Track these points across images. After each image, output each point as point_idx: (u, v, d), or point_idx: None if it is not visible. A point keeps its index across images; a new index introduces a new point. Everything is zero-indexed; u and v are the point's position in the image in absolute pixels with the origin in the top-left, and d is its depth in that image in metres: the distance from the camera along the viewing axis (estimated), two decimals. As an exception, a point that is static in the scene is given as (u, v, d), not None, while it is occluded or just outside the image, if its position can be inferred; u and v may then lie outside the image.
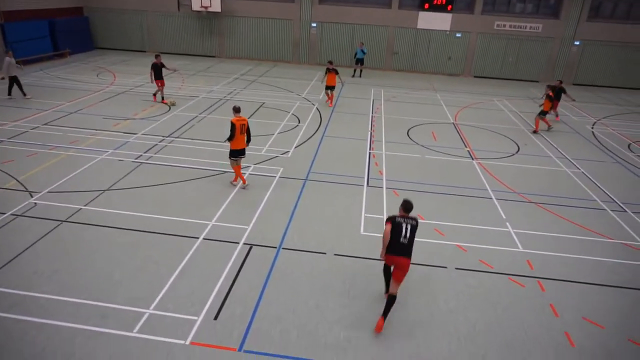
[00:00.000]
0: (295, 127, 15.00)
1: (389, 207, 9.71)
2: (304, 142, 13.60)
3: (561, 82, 18.02)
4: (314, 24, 26.82)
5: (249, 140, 10.07)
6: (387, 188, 10.71)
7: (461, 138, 14.96)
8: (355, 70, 25.46)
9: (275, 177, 10.79)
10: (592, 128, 17.24)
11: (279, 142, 13.24)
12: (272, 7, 26.73)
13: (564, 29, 25.27)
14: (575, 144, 15.13)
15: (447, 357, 5.84)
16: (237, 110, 9.81)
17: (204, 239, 8.11)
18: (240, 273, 7.22)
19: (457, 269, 7.75)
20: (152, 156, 11.73)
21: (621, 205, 10.62)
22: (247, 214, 9.07)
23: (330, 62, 17.71)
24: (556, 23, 25.31)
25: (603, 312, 6.89)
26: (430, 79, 25.84)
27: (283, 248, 8.01)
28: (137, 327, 5.96)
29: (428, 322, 6.45)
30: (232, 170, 10.42)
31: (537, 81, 26.44)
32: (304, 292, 6.90)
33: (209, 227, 8.51)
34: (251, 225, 8.68)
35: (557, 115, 17.96)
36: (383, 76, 25.59)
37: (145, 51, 28.49)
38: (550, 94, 15.92)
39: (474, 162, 12.83)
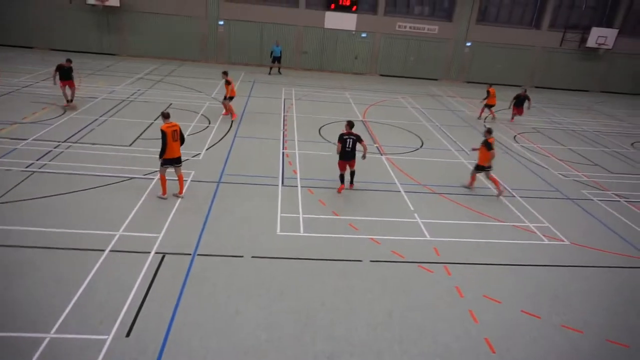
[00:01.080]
0: (206, 128, 14.59)
1: (305, 206, 9.85)
2: (215, 143, 13.28)
3: (525, 91, 19.06)
4: (221, 22, 26.22)
5: (182, 143, 9.64)
6: (302, 187, 10.84)
7: (370, 134, 15.59)
8: (271, 69, 25.41)
9: (186, 180, 10.41)
10: (484, 122, 18.92)
11: (189, 144, 12.78)
12: (177, 3, 25.65)
13: (456, 31, 27.37)
14: (471, 137, 16.49)
15: (367, 346, 6.09)
16: (166, 116, 9.29)
17: (110, 251, 7.59)
18: (153, 284, 6.88)
19: (371, 261, 8.10)
20: (46, 164, 10.69)
21: (510, 191, 11.81)
22: (157, 221, 8.65)
23: (225, 73, 15.85)
24: (450, 25, 27.33)
25: (500, 289, 7.63)
26: (339, 77, 26.56)
27: (198, 254, 7.77)
28: (35, 357, 5.41)
29: (346, 315, 6.66)
30: (149, 177, 9.87)
31: (437, 79, 28.36)
32: (222, 297, 6.77)
33: (116, 237, 7.98)
34: (163, 232, 8.30)
35: (512, 118, 19.47)
36: (293, 75, 25.79)
37: (32, 47, 25.82)
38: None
39: (383, 157, 13.46)
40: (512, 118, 19.41)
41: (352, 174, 10.72)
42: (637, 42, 28.41)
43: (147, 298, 6.56)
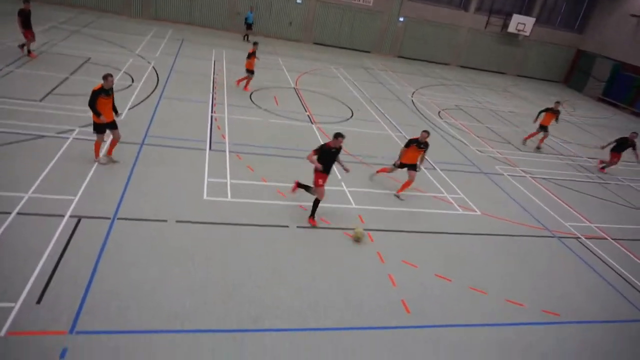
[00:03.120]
0: (129, 86, 13.69)
1: (233, 171, 9.70)
2: (139, 103, 12.54)
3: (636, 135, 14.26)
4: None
5: (115, 111, 8.97)
6: (230, 152, 10.64)
7: (302, 103, 15.55)
8: (246, 36, 24.80)
9: (106, 141, 9.78)
10: (412, 97, 19.60)
11: (110, 103, 11.95)
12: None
13: (391, 5, 27.68)
14: (398, 110, 17.04)
15: (292, 309, 6.26)
16: (106, 78, 8.49)
17: (17, 213, 7.01)
18: (67, 249, 6.49)
19: (298, 227, 8.23)
20: (-63, 117, 9.49)
21: (432, 163, 12.46)
22: (73, 184, 8.09)
23: (255, 43, 15.70)
24: (385, -2, 27.58)
25: (417, 254, 8.14)
26: (272, 43, 25.96)
27: (118, 218, 7.42)
28: None
29: (272, 280, 6.77)
30: (63, 136, 9.10)
31: (369, 52, 28.69)
32: (143, 263, 6.57)
33: (24, 199, 7.37)
34: (79, 195, 7.79)
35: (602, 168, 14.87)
36: (224, 37, 24.78)
37: None
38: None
39: (314, 126, 13.53)
40: (603, 168, 14.71)
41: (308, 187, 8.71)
42: (550, 31, 30.60)
43: (60, 264, 6.19)
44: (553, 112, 15.16)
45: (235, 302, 6.19)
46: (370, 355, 5.80)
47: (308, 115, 14.36)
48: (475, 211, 10.22)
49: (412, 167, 10.00)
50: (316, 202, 8.36)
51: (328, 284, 6.95)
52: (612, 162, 14.44)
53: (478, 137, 15.76)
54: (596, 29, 30.20)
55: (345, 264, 7.50)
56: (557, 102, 15.54)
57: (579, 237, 10.02)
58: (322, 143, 8.22)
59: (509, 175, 12.73)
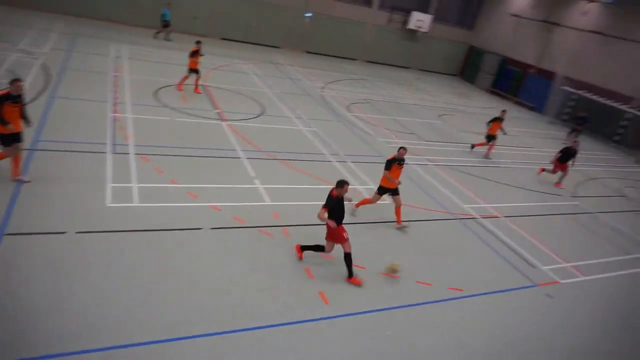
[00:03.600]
0: (12, 86, 12.34)
1: (139, 175, 9.22)
2: (26, 104, 11.36)
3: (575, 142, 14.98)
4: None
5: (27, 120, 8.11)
6: (135, 154, 10.08)
7: (211, 100, 15.15)
8: (159, 33, 23.18)
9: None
10: (321, 92, 19.99)
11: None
12: None
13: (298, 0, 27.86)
14: (309, 105, 17.29)
15: (209, 313, 6.13)
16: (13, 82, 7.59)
17: None
18: (-55, 272, 5.75)
19: (212, 228, 8.06)
20: None
21: (343, 156, 12.85)
22: (-52, 198, 7.15)
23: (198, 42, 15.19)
24: (291, -6, 27.68)
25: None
26: (177, 38, 24.87)
27: (7, 234, 6.71)
28: None
29: (187, 285, 6.57)
30: None
31: (279, 47, 28.67)
32: (39, 280, 6.02)
33: None
34: (-44, 211, 6.91)
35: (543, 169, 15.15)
36: (123, 31, 23.25)
37: None
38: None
39: (224, 123, 13.27)
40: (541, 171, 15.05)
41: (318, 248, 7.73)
42: (446, 28, 32.87)
43: (-63, 289, 5.47)
44: (500, 121, 15.47)
45: (146, 312, 5.92)
46: (295, 349, 5.88)
47: (218, 113, 14.04)
48: (386, 201, 10.74)
49: (395, 192, 9.43)
50: (348, 258, 7.36)
51: (246, 283, 6.91)
52: (564, 172, 14.37)
53: (385, 129, 16.53)
54: (483, 27, 33.02)
55: (262, 262, 7.50)
56: (504, 111, 16.09)
57: (477, 218, 10.97)
58: (328, 194, 7.35)
59: (414, 164, 13.53)
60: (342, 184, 7.27)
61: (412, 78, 29.68)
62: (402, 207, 9.56)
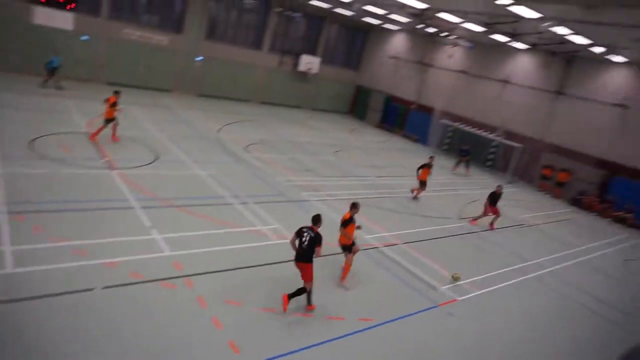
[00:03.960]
0: None
1: (14, 236, 8.15)
2: None
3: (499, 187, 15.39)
4: None
5: None
6: (10, 213, 8.92)
7: (97, 148, 14.12)
8: (46, 80, 20.90)
9: None
10: (217, 134, 19.77)
11: None
12: None
13: (187, 44, 27.67)
14: (205, 148, 16.95)
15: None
16: None
17: None
18: None
19: (104, 288, 7.35)
20: None
21: (244, 198, 12.70)
22: None
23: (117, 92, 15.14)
24: (181, 38, 27.41)
25: (239, 291, 8.12)
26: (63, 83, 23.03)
27: None
28: None
29: (89, 354, 5.85)
30: None
31: (169, 90, 27.95)
32: None
33: None
34: None
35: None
36: (12, 80, 20.94)
37: None
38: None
39: (113, 172, 12.41)
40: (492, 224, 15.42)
41: (300, 293, 7.88)
42: (335, 70, 34.93)
43: None
44: (429, 167, 16.21)
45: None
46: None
47: (106, 161, 13.11)
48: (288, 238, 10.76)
49: (348, 249, 9.28)
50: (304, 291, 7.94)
51: (147, 346, 6.35)
52: (496, 214, 15.05)
53: (283, 167, 16.76)
54: (367, 68, 35.72)
55: (165, 318, 6.99)
56: (431, 157, 17.07)
57: (378, 247, 11.46)
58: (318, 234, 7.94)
59: (315, 199, 13.83)
60: (317, 220, 8.09)
61: (305, 117, 30.73)
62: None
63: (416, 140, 30.36)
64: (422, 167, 16.29)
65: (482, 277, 11.11)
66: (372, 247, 11.40)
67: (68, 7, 21.96)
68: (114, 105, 14.74)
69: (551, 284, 11.79)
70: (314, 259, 7.85)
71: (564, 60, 23.55)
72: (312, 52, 33.09)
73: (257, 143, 19.74)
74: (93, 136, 14.77)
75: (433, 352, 7.72)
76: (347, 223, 9.13)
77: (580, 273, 13.12)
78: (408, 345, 7.74)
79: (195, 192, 12.33)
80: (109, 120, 14.83)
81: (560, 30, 16.53)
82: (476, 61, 28.03)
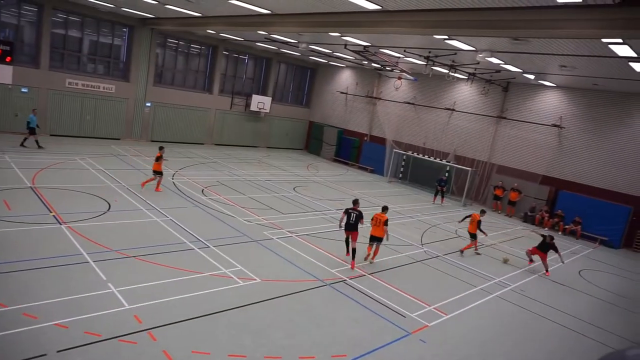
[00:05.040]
0: None
1: (-48, 304, 7.45)
2: None
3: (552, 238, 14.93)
4: None
5: None
6: (-56, 280, 8.20)
7: (44, 203, 13.40)
8: (26, 139, 20.34)
9: None
10: (172, 179, 19.32)
11: None
12: None
13: (135, 91, 27.31)
14: (161, 194, 16.47)
15: None
16: None
17: None
18: None
19: (59, 351, 6.80)
20: None
21: (205, 242, 12.35)
22: None
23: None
24: (128, 85, 27.05)
25: (207, 340, 7.74)
26: (7, 138, 21.93)
27: None
28: None
29: None
30: None
31: (119, 139, 27.25)
32: None
33: None
34: None
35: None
36: None
37: None
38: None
39: (63, 226, 11.76)
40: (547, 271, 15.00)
41: (354, 251, 12.26)
42: (286, 107, 35.46)
43: None
44: (469, 217, 15.68)
45: None
46: None
47: (54, 216, 12.43)
48: (255, 279, 10.50)
49: (380, 240, 12.72)
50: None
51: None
52: (544, 261, 14.81)
53: (243, 207, 16.53)
54: (317, 104, 36.52)
55: (127, 376, 6.52)
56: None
57: (345, 280, 11.37)
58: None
59: (277, 238, 13.65)
60: (353, 200, 12.69)
61: (261, 156, 30.73)
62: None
63: (372, 171, 30.97)
64: (466, 217, 16.11)
65: (449, 300, 11.22)
66: (339, 279, 11.30)
67: (8, 59, 21.22)
68: (158, 159, 16.35)
69: (516, 301, 12.07)
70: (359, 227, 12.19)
71: (501, 87, 25.13)
72: (263, 91, 33.57)
73: (214, 185, 19.44)
74: (143, 185, 16.55)
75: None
76: (387, 222, 12.44)
77: (543, 287, 13.54)
78: (384, 378, 7.59)
79: (153, 240, 11.87)
80: (157, 172, 16.53)
81: (494, 60, 17.70)
82: (422, 92, 29.37)
